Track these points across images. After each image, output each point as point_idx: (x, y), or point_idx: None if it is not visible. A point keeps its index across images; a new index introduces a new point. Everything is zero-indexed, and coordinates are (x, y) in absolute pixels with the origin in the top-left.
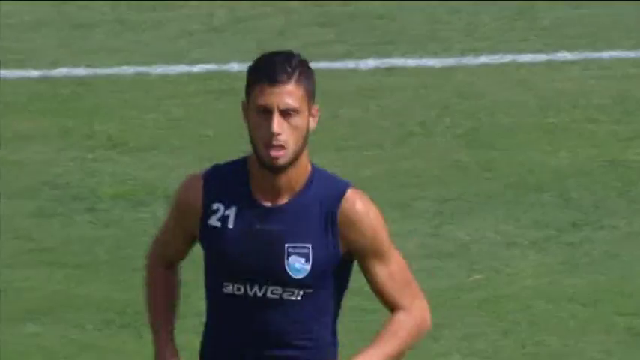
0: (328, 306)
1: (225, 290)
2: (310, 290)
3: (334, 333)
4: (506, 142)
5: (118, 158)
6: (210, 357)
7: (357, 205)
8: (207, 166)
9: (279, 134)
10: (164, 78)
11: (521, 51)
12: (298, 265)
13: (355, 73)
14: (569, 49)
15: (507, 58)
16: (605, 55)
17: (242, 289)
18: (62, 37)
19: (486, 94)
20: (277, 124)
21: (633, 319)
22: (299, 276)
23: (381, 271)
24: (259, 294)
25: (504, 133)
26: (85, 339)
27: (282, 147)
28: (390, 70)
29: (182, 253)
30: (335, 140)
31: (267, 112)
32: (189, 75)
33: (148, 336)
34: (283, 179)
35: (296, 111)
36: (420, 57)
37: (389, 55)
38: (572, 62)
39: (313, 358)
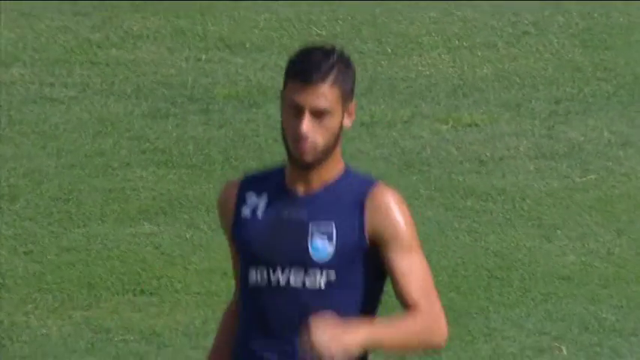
0: (356, 301)
1: (250, 282)
2: (334, 278)
3: None
4: (622, 41)
5: (230, 58)
6: (236, 353)
7: (387, 194)
8: None
9: (307, 136)
10: None
11: None
12: (321, 246)
13: None
14: None
15: None
16: None
17: (265, 277)
18: None
19: None
20: (307, 125)
21: None
22: (321, 257)
23: (402, 263)
24: (282, 282)
25: (619, 32)
26: (199, 239)
27: (309, 146)
28: None
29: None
30: (447, 39)
31: (298, 111)
32: None
33: None
34: (314, 173)
35: (328, 112)
36: None
37: None
38: None
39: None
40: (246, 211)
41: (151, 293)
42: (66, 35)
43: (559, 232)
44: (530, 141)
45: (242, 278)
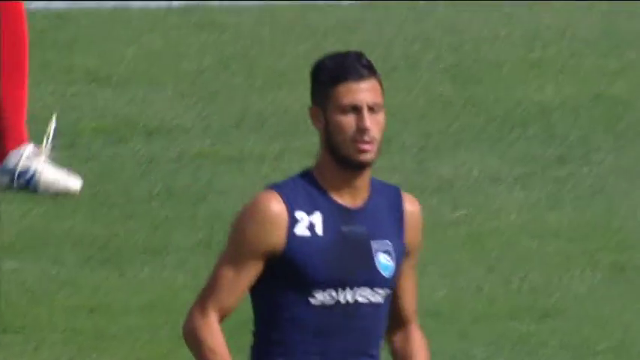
0: (387, 314)
1: (312, 301)
2: (390, 291)
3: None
4: (491, 76)
5: (97, 92)
6: None
7: (415, 204)
8: (189, 100)
9: (370, 129)
10: (143, 10)
11: None
12: (385, 263)
13: (337, 7)
14: None
15: None
16: None
17: (334, 297)
18: None
19: (470, 28)
20: (369, 120)
21: (618, 255)
22: (388, 273)
23: (411, 279)
24: (350, 300)
25: (489, 67)
26: (65, 275)
27: (370, 142)
28: (372, 4)
29: (238, 301)
30: None
31: (355, 110)
32: (169, 8)
33: (129, 272)
34: (361, 179)
35: (380, 107)
36: None
37: None
38: None
39: None
40: (303, 231)
41: (15, 332)
42: None
43: (430, 267)
44: (400, 176)
45: (299, 300)
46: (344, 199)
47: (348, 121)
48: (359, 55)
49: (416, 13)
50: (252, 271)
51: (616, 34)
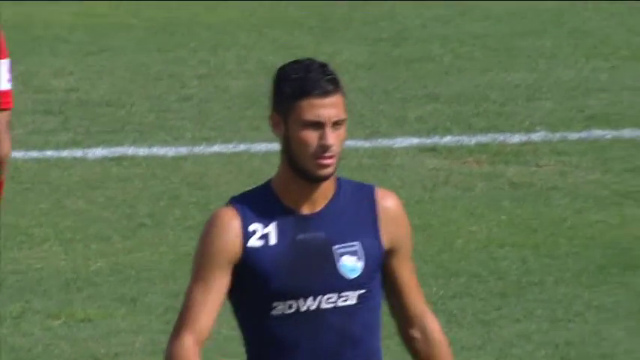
0: (378, 313)
1: (273, 313)
2: (364, 292)
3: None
4: None
5: None
6: None
7: (392, 198)
8: None
9: (332, 145)
10: None
11: (254, 139)
12: (351, 265)
13: (81, 162)
14: None
15: (240, 147)
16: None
17: (294, 306)
18: None
19: (219, 183)
20: (331, 137)
21: None
22: (354, 275)
23: (406, 272)
24: (312, 307)
25: None
26: None
27: (332, 157)
28: (117, 160)
29: (213, 322)
30: (59, 232)
31: (317, 126)
32: None
33: None
34: (319, 189)
35: (343, 121)
36: (150, 146)
37: (118, 144)
38: None
39: None
40: (256, 243)
41: None
42: None
43: None
44: (146, 337)
45: (259, 311)
46: (301, 207)
47: (310, 136)
48: (323, 67)
49: (163, 168)
50: (218, 287)
51: None
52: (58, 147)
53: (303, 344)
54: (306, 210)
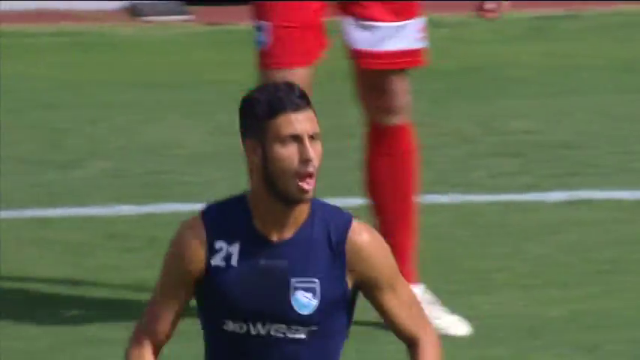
0: (335, 346)
1: (225, 328)
2: (316, 328)
3: None
4: None
5: None
6: None
7: (365, 236)
8: None
9: (313, 159)
10: None
11: None
12: (305, 301)
13: (541, 205)
14: None
15: None
16: None
17: (244, 328)
18: None
19: None
20: (311, 150)
21: None
22: (305, 312)
23: (392, 302)
24: (262, 332)
25: None
26: None
27: (312, 175)
28: (577, 204)
29: (171, 328)
30: (518, 277)
31: (296, 141)
32: None
33: None
34: (293, 213)
35: (319, 136)
36: (611, 189)
37: (578, 187)
38: None
39: None
40: (218, 261)
41: None
42: None
43: None
44: None
45: (213, 323)
46: (270, 231)
47: (290, 153)
48: (291, 86)
49: (624, 212)
50: (178, 298)
51: None
52: (517, 190)
53: None
54: (274, 235)
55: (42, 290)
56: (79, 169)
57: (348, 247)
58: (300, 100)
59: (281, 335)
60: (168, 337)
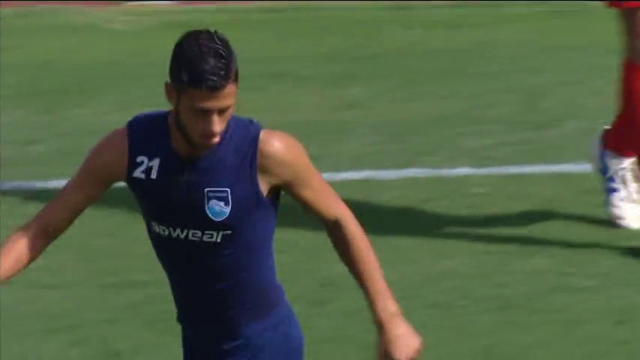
0: (255, 246)
1: (153, 229)
2: (229, 232)
3: (271, 273)
4: None
5: None
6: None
7: (274, 143)
8: None
9: (217, 132)
10: None
11: None
12: (218, 209)
13: None
14: None
15: None
16: None
17: (166, 232)
18: None
19: None
20: (216, 125)
21: None
22: (219, 219)
23: (310, 195)
24: (182, 236)
25: None
26: None
27: (215, 136)
28: None
29: (65, 222)
30: None
31: (204, 114)
32: None
33: None
34: None
35: (230, 106)
36: None
37: None
38: None
39: (249, 298)
40: (139, 173)
41: None
42: None
43: None
44: None
45: (146, 224)
46: (185, 149)
47: (198, 120)
48: (221, 54)
49: None
50: (85, 193)
51: None
52: None
53: (180, 266)
54: (190, 152)
55: None
56: (553, 129)
57: (259, 155)
58: (220, 79)
59: (197, 239)
60: (60, 228)
